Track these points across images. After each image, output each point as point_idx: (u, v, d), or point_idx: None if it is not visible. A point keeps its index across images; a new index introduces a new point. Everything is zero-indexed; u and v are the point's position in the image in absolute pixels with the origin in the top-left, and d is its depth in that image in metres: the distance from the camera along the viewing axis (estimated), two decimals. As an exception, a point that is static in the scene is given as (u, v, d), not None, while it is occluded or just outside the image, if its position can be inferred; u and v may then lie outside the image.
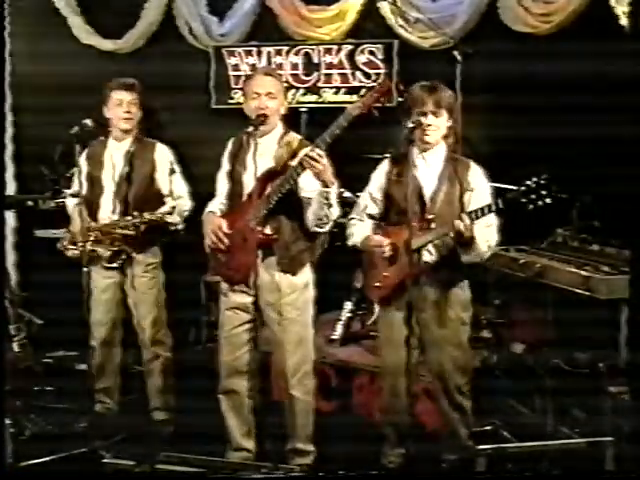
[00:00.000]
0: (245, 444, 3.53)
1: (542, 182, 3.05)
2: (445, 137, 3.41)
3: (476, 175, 3.37)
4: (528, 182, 3.08)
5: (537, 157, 4.64)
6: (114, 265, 3.92)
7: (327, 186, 3.16)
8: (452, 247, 3.29)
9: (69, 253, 3.98)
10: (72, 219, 4.08)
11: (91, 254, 3.84)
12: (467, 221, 3.14)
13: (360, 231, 3.46)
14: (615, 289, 3.54)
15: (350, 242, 3.50)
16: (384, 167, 3.49)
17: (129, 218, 3.81)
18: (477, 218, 3.18)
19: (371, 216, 3.49)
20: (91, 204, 3.92)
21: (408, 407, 3.36)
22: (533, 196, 3.05)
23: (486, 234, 3.27)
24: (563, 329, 3.90)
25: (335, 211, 3.29)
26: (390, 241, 3.31)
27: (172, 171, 4.03)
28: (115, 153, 4.00)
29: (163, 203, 3.98)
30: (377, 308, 3.55)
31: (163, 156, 4.03)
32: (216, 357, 3.57)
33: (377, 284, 3.41)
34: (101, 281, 3.94)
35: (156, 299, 4.04)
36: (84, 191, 3.74)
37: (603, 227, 4.14)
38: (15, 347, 4.68)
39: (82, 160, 3.92)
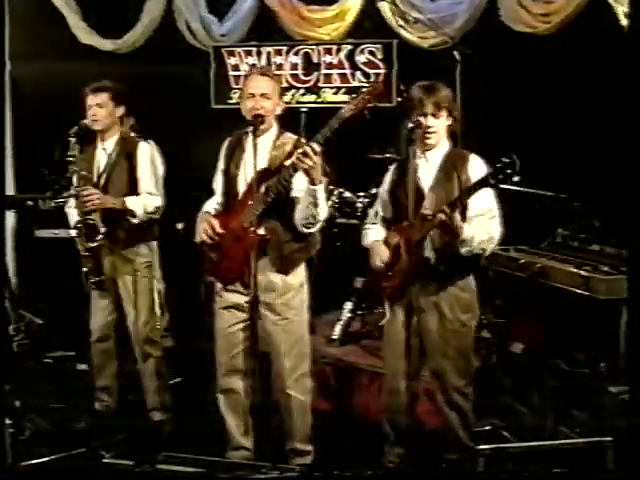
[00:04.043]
0: (244, 443, 3.52)
1: (507, 161, 2.98)
2: (446, 136, 3.37)
3: (475, 167, 3.29)
4: (497, 164, 3.04)
5: (536, 156, 4.66)
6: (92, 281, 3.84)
7: (314, 184, 3.15)
8: (450, 245, 3.23)
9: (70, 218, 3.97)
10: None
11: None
12: (447, 210, 3.08)
13: (372, 234, 3.48)
14: (615, 289, 3.54)
15: (363, 243, 3.52)
16: (391, 169, 3.48)
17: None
18: (468, 199, 3.12)
19: (384, 219, 3.48)
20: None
21: (408, 407, 3.35)
22: (501, 176, 3.00)
23: (487, 225, 3.21)
24: (563, 329, 3.90)
25: (322, 211, 3.27)
26: (389, 256, 3.31)
27: (153, 169, 3.95)
28: (100, 153, 3.98)
29: None
30: (387, 308, 3.52)
31: (144, 155, 3.95)
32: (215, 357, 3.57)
33: (385, 284, 3.41)
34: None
35: (148, 298, 3.96)
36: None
37: (603, 227, 4.14)
38: (15, 347, 4.69)
39: (77, 160, 3.92)
